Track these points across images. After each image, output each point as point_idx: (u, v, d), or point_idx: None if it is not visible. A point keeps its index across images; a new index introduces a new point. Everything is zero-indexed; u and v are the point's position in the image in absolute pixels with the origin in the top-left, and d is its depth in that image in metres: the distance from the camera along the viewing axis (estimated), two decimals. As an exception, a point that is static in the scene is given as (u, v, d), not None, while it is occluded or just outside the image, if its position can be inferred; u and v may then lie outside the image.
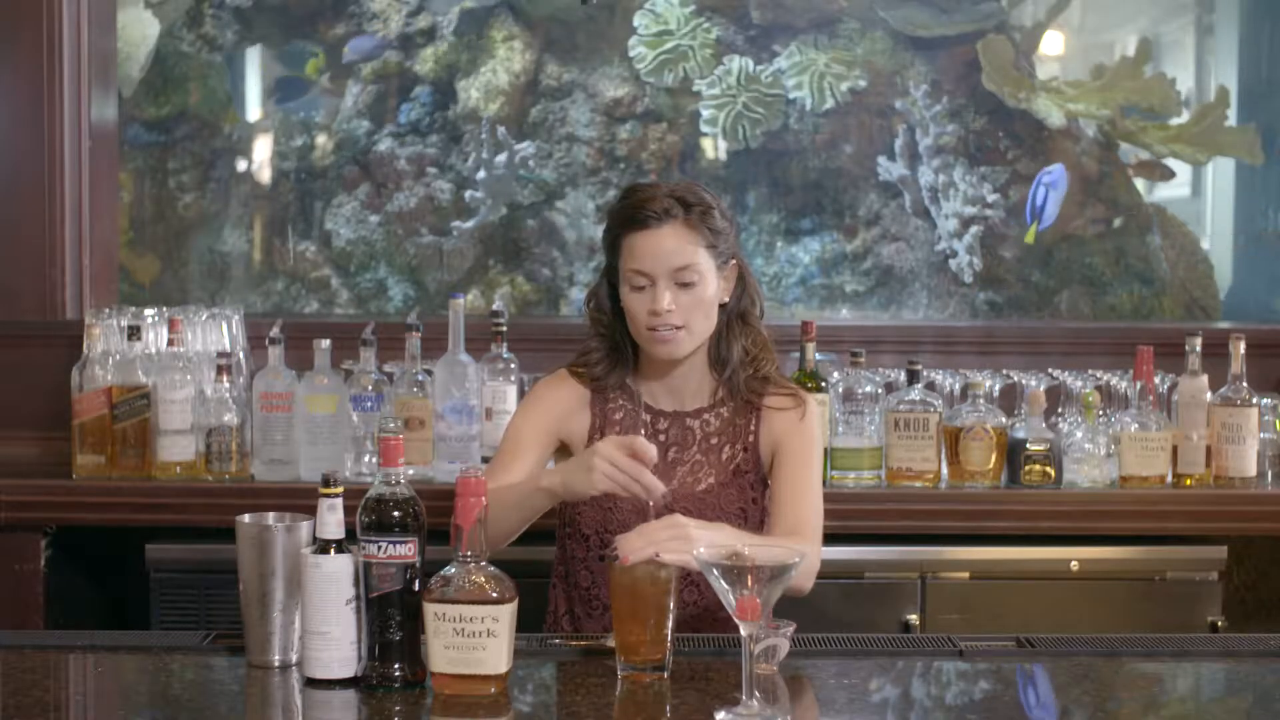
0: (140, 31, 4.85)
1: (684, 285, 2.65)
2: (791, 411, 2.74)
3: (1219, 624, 3.37)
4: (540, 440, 2.78)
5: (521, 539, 2.79)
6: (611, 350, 2.77)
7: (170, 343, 3.47)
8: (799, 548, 2.22)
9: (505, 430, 2.85)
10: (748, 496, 2.73)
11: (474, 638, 2.15)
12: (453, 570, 2.18)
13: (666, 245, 2.64)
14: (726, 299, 2.74)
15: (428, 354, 3.46)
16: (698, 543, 2.24)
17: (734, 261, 2.74)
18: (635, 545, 2.29)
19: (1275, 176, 4.75)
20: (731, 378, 2.74)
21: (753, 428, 2.75)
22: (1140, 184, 4.93)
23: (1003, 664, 2.42)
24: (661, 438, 2.74)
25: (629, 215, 2.67)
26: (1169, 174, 4.90)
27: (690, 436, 2.75)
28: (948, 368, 3.73)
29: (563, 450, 2.80)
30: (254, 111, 5.06)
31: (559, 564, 2.80)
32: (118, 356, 3.48)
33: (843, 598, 3.36)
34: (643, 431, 2.73)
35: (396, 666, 2.21)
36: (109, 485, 3.44)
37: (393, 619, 2.20)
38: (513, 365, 3.43)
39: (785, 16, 4.89)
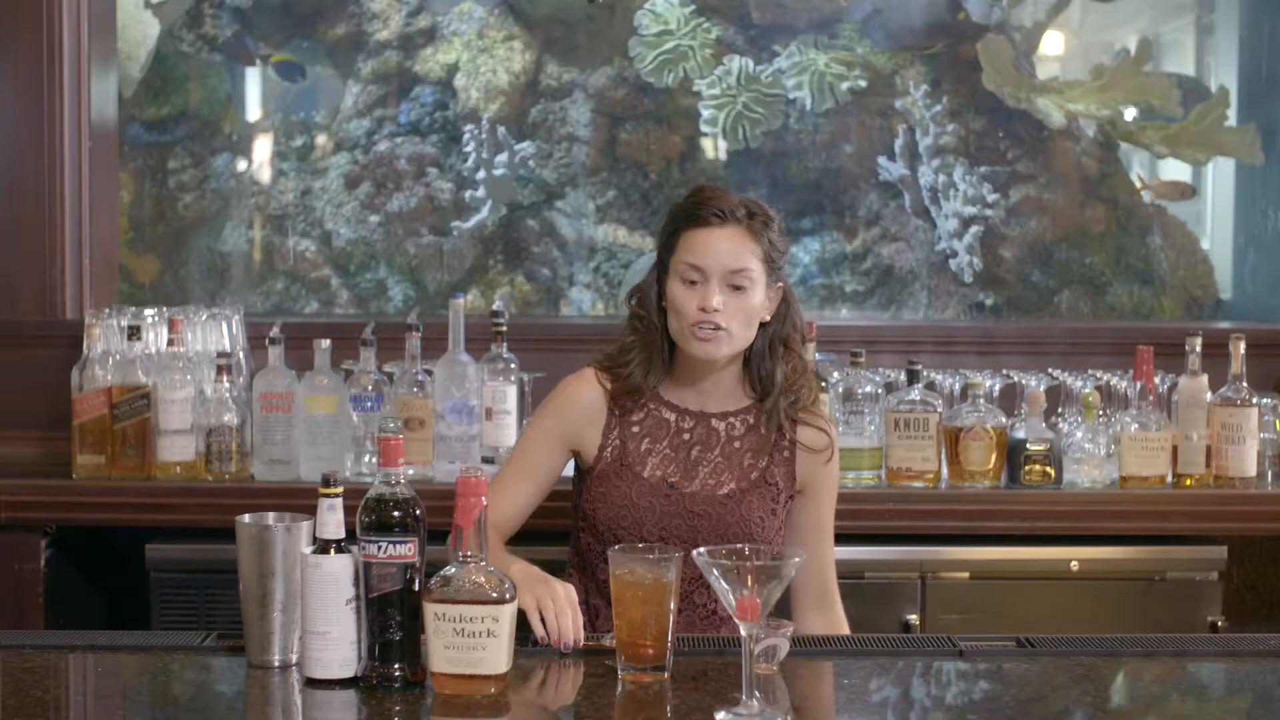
0: (140, 31, 4.84)
1: (735, 289, 2.67)
2: (823, 453, 2.79)
3: (1219, 624, 3.37)
4: (552, 450, 2.78)
5: (526, 539, 2.79)
6: (647, 351, 2.77)
7: (170, 343, 3.47)
8: (838, 615, 2.85)
9: (521, 435, 2.86)
10: (768, 508, 2.75)
11: (474, 638, 2.15)
12: (453, 570, 2.18)
13: (725, 245, 2.67)
14: (768, 317, 2.75)
15: (428, 354, 3.46)
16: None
17: (781, 284, 2.76)
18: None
19: (1275, 176, 4.74)
20: (772, 403, 2.75)
21: (786, 448, 2.77)
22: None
23: (1003, 664, 2.42)
24: (686, 436, 2.76)
25: (692, 211, 2.71)
26: (1190, 192, 4.89)
27: (715, 438, 2.76)
28: (948, 368, 3.73)
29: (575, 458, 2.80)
30: (254, 111, 5.06)
31: (574, 555, 2.82)
32: (118, 356, 3.48)
33: (843, 598, 3.35)
34: (667, 432, 2.75)
35: (396, 666, 2.21)
36: (109, 485, 3.44)
37: (393, 619, 2.20)
38: (513, 365, 3.43)
39: (785, 16, 4.88)
